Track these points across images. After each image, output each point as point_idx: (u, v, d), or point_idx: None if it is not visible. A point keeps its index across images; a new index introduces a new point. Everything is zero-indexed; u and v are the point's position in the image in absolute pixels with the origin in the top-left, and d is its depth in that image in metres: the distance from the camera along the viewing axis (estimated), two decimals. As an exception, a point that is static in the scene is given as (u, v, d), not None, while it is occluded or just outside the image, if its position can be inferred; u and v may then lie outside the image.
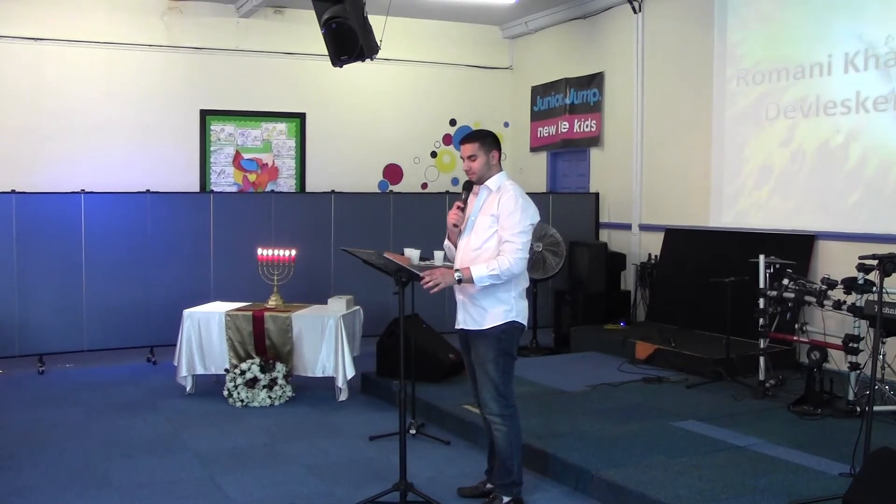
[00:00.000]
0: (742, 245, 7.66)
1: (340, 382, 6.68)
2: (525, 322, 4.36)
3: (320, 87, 10.40)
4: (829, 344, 5.94)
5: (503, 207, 4.22)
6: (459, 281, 4.18)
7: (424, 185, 11.00)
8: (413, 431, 5.59)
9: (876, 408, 5.03)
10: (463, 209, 4.37)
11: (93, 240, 7.97)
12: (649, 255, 9.14)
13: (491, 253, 4.23)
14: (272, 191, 10.12)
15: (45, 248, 7.81)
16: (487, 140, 4.36)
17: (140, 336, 8.11)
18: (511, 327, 4.28)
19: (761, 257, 6.41)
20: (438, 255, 7.23)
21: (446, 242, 4.54)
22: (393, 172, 10.92)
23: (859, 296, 5.60)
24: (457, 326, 4.43)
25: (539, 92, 10.98)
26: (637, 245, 9.41)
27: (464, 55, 11.19)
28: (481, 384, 4.33)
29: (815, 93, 7.46)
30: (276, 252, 7.12)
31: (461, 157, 4.42)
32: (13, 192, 7.81)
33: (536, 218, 4.30)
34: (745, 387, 6.41)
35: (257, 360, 6.64)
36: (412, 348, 5.84)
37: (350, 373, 6.67)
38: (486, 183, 4.34)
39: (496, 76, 11.47)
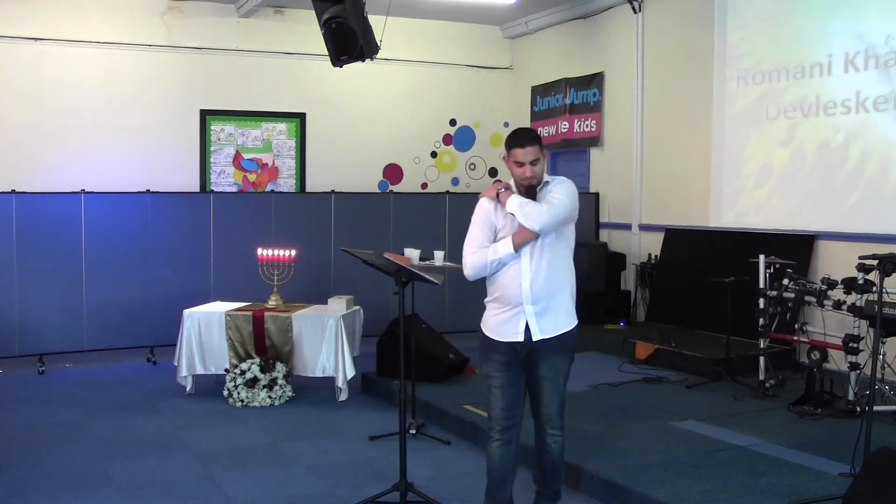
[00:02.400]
0: (742, 245, 7.66)
1: (340, 382, 6.68)
2: None
3: (320, 87, 10.40)
4: (829, 344, 5.94)
5: (554, 186, 3.93)
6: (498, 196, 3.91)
7: (424, 185, 11.00)
8: (413, 431, 5.59)
9: (876, 408, 5.03)
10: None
11: (93, 240, 7.97)
12: (649, 255, 9.14)
13: (566, 254, 3.97)
14: (272, 191, 10.12)
15: (45, 248, 7.81)
16: (541, 142, 4.02)
17: (140, 336, 8.11)
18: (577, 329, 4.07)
19: (761, 257, 6.40)
20: (438, 254, 7.25)
21: (505, 254, 3.88)
22: (393, 172, 10.92)
23: (859, 296, 5.60)
24: (534, 338, 3.90)
25: (539, 92, 10.98)
26: (637, 245, 9.41)
27: (464, 55, 11.19)
28: (549, 398, 3.98)
29: (815, 93, 7.46)
30: (276, 252, 7.12)
31: (517, 162, 3.90)
32: (13, 192, 7.82)
33: (576, 210, 3.97)
34: (745, 387, 6.41)
35: (257, 360, 6.64)
36: (412, 348, 5.84)
37: (350, 373, 6.67)
38: (546, 180, 4.02)
39: (496, 76, 11.46)
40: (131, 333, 8.08)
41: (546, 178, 4.00)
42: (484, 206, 4.00)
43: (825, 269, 6.83)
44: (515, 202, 3.84)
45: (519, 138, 3.93)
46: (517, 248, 3.86)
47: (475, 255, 3.94)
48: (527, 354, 3.94)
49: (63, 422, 6.10)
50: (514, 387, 3.97)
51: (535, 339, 3.89)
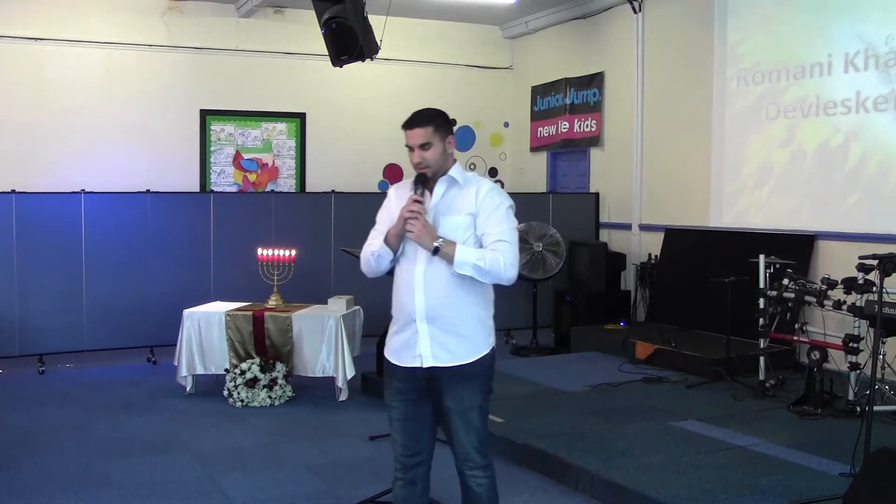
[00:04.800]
0: (742, 245, 7.66)
1: (340, 382, 6.68)
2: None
3: (320, 87, 10.40)
4: (829, 344, 5.94)
5: (485, 202, 3.27)
6: (436, 251, 3.18)
7: (424, 185, 10.99)
8: (413, 431, 5.59)
9: (876, 408, 5.02)
10: (421, 202, 3.27)
11: (93, 240, 7.97)
12: (649, 255, 9.14)
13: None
14: (272, 191, 10.12)
15: (45, 248, 7.80)
16: (441, 122, 3.37)
17: (140, 336, 8.10)
18: (493, 357, 3.38)
19: (761, 257, 6.40)
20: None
21: (379, 247, 3.34)
22: (393, 172, 10.92)
23: (859, 296, 5.60)
24: (424, 364, 3.29)
25: (539, 92, 10.98)
26: (637, 245, 9.41)
27: (464, 55, 11.19)
28: (461, 436, 3.31)
29: (815, 93, 7.46)
30: (276, 252, 7.12)
31: (406, 146, 3.36)
32: (13, 192, 7.81)
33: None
34: (745, 387, 6.41)
35: (257, 360, 6.64)
36: (412, 348, 5.83)
37: (350, 373, 6.66)
38: (451, 173, 3.35)
39: (496, 76, 11.47)
40: (131, 333, 8.07)
41: (457, 172, 3.36)
42: (387, 203, 3.53)
43: (825, 269, 6.83)
44: (469, 263, 3.18)
45: (409, 119, 3.39)
46: (387, 240, 3.30)
47: (365, 247, 3.45)
48: (427, 382, 3.32)
49: (63, 422, 6.09)
50: (415, 420, 3.39)
51: (425, 365, 3.28)
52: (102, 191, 8.31)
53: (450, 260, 3.19)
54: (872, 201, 7.01)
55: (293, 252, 7.16)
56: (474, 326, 3.31)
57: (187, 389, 6.86)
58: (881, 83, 6.93)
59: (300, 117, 10.43)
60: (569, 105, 10.39)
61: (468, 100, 11.24)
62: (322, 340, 6.69)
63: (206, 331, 6.81)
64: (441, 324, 3.27)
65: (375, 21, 7.17)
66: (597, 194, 9.91)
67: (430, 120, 3.36)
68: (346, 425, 6.06)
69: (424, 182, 3.32)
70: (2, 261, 7.68)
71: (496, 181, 11.45)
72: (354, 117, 10.66)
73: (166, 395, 6.84)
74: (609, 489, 4.47)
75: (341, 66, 7.41)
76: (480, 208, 3.28)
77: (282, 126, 10.38)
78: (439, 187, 3.36)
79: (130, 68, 9.62)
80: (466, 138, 11.29)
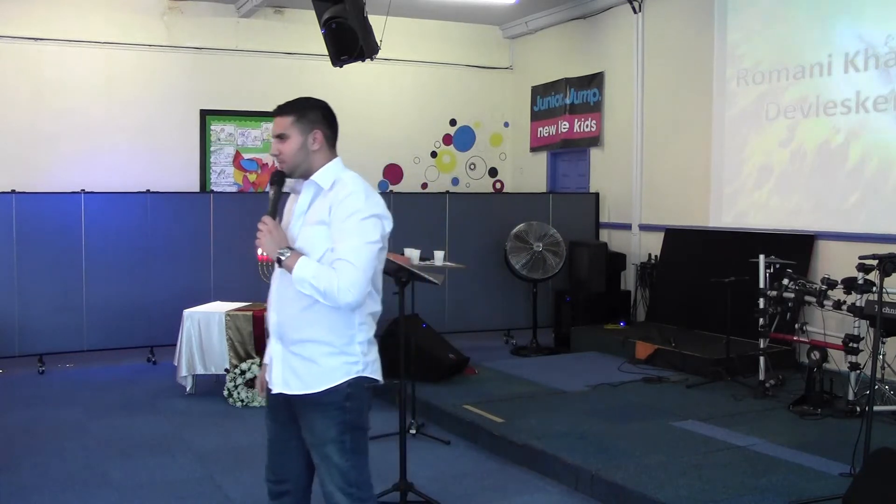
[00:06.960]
0: (742, 245, 7.66)
1: (340, 382, 6.67)
2: (380, 377, 3.08)
3: (320, 87, 10.33)
4: (829, 344, 5.94)
5: (338, 211, 2.85)
6: (279, 262, 2.86)
7: (424, 185, 11.00)
8: (413, 431, 5.60)
9: (876, 408, 5.02)
10: (273, 215, 2.93)
11: (93, 240, 7.97)
12: (649, 255, 9.14)
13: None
14: (272, 191, 10.11)
15: (45, 248, 7.80)
16: (308, 114, 3.05)
17: (140, 336, 8.10)
18: (358, 387, 2.98)
19: (761, 257, 6.41)
20: (438, 254, 7.26)
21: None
22: (393, 172, 10.92)
23: (859, 296, 5.60)
24: (274, 389, 2.97)
25: (539, 92, 10.98)
26: (637, 245, 9.41)
27: (464, 55, 11.19)
28: (321, 472, 2.92)
29: (815, 93, 7.46)
30: (276, 252, 7.10)
31: (272, 136, 3.00)
32: (13, 192, 7.81)
33: (388, 226, 2.93)
34: (745, 387, 6.41)
35: (257, 360, 6.64)
36: (412, 348, 5.84)
37: (350, 373, 6.65)
38: (314, 178, 2.97)
39: (496, 76, 11.47)
40: (131, 333, 8.07)
41: (324, 174, 2.99)
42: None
43: (825, 269, 6.83)
44: (307, 280, 2.79)
45: (275, 108, 3.06)
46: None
47: None
48: (289, 407, 2.98)
49: (63, 422, 6.09)
50: (282, 444, 3.03)
51: (275, 390, 2.96)
52: (102, 191, 8.31)
53: (290, 271, 2.83)
54: (872, 201, 7.00)
55: (293, 252, 7.15)
56: (325, 352, 2.90)
57: (187, 389, 6.86)
58: (881, 83, 6.93)
59: (300, 117, 10.41)
60: (569, 105, 10.39)
61: (468, 100, 11.24)
62: (322, 340, 6.68)
63: (206, 331, 6.81)
64: (290, 345, 2.92)
65: (375, 21, 7.17)
66: (597, 194, 9.91)
67: (293, 109, 3.01)
68: (346, 425, 6.05)
69: (279, 181, 2.98)
70: (2, 261, 7.68)
71: (496, 181, 11.46)
72: (354, 117, 10.62)
73: (166, 395, 6.85)
74: (609, 489, 4.47)
75: (341, 66, 7.42)
76: (333, 217, 2.85)
77: (282, 126, 10.36)
78: (306, 194, 2.97)
79: (130, 68, 9.61)
80: (466, 138, 11.29)
